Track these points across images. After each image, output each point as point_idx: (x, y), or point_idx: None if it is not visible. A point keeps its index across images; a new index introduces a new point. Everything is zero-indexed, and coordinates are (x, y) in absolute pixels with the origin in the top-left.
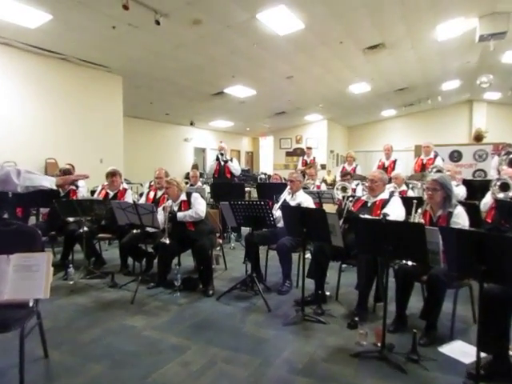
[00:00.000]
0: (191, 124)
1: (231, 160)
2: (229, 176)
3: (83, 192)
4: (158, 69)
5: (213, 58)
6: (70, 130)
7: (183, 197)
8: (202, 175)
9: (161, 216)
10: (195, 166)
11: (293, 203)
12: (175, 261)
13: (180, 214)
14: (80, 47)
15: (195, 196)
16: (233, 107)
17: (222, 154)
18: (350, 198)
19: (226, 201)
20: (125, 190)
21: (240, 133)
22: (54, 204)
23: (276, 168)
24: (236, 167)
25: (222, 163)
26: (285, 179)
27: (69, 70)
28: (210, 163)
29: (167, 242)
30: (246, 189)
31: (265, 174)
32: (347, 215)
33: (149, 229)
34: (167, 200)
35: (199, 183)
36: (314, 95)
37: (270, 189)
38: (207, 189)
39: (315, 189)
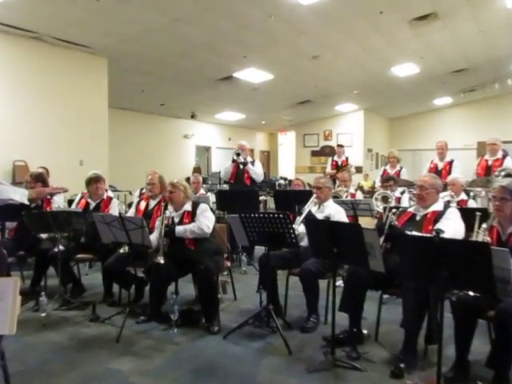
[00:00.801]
0: (192, 117)
1: (252, 163)
2: (248, 182)
3: (59, 202)
4: (151, 48)
5: (219, 33)
6: (43, 126)
7: (188, 206)
8: (205, 180)
9: (156, 232)
10: (197, 169)
11: (320, 216)
12: (172, 288)
13: (180, 228)
14: (55, 24)
15: (203, 207)
16: (244, 95)
17: (238, 155)
18: (394, 210)
19: (235, 212)
20: (110, 199)
21: (253, 127)
22: (22, 217)
23: (299, 171)
24: (258, 171)
25: (241, 166)
26: (310, 186)
27: (42, 52)
28: (226, 166)
29: (162, 261)
30: (261, 197)
31: (284, 180)
32: (389, 232)
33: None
34: (164, 210)
35: (202, 190)
36: (347, 79)
37: (291, 198)
38: (212, 198)
39: (348, 198)
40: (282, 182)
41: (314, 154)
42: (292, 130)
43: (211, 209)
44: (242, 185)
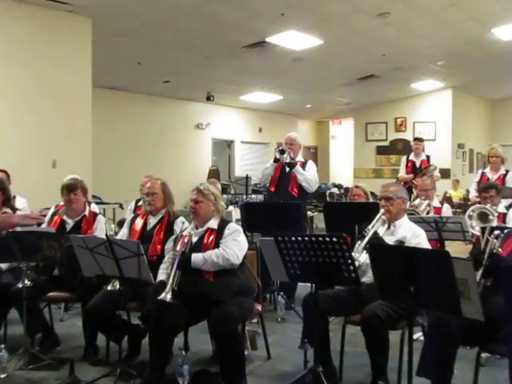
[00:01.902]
0: (208, 99)
1: (303, 164)
2: (295, 192)
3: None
4: (152, 4)
5: None
6: (2, 112)
7: (213, 224)
8: (225, 189)
9: (168, 263)
10: (214, 173)
11: (390, 240)
12: (180, 341)
13: (198, 257)
14: None
15: (234, 228)
16: (282, 69)
17: (282, 152)
18: (496, 232)
19: (268, 234)
20: (93, 215)
21: (294, 113)
22: None
23: (359, 176)
24: (310, 177)
25: (287, 169)
26: (375, 196)
27: (5, 11)
28: (265, 166)
29: (168, 299)
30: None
31: (339, 188)
32: (491, 263)
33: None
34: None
35: (221, 203)
36: (429, 45)
37: (349, 213)
38: (235, 213)
39: (431, 214)
40: (334, 190)
41: (381, 151)
42: (349, 117)
43: (244, 233)
44: (287, 195)
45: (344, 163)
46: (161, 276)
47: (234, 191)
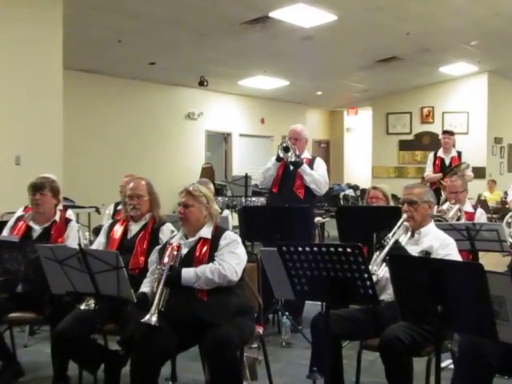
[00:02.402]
0: (201, 84)
1: (311, 162)
2: (301, 194)
3: None
4: None
5: None
6: None
7: (206, 232)
8: (220, 191)
9: (151, 278)
10: (207, 172)
11: (414, 250)
12: (166, 369)
13: (189, 273)
14: None
15: (231, 237)
16: (288, 49)
17: (286, 149)
18: None
19: (271, 243)
20: (65, 221)
21: (303, 102)
22: None
23: (378, 175)
24: (319, 178)
25: (291, 168)
26: (396, 199)
27: None
28: (266, 166)
29: (153, 321)
30: (316, 219)
31: (354, 189)
32: None
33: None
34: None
35: (215, 206)
36: (460, 22)
37: (365, 219)
38: (232, 219)
39: (462, 220)
40: (349, 192)
41: (405, 146)
42: (367, 106)
43: (243, 242)
44: (292, 197)
45: (361, 161)
46: (144, 288)
47: (231, 193)
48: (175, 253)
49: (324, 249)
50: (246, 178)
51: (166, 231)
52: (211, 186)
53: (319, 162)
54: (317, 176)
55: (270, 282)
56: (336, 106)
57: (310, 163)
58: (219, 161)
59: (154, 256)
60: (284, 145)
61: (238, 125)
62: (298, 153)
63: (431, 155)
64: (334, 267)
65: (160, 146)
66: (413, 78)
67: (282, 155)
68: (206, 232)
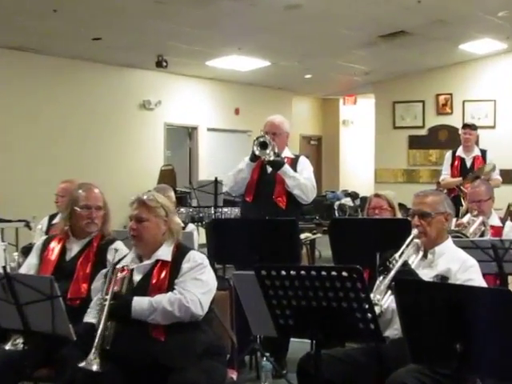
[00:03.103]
0: (159, 65)
1: (293, 162)
2: (283, 203)
3: None
4: None
5: None
6: None
7: (164, 253)
8: (182, 199)
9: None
10: (167, 175)
11: (428, 274)
12: None
13: (142, 303)
14: None
15: (196, 259)
16: (269, 21)
17: (263, 145)
18: None
19: (247, 265)
20: None
21: (287, 87)
22: None
23: (383, 180)
24: (305, 182)
25: (269, 170)
26: (405, 210)
27: None
28: (237, 168)
29: (94, 368)
30: (303, 235)
31: (352, 197)
32: None
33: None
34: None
35: (177, 220)
36: None
37: (366, 235)
38: (198, 236)
39: (487, 237)
40: (346, 201)
41: (416, 143)
42: (369, 93)
43: (211, 262)
44: (271, 208)
45: (361, 162)
46: (88, 318)
47: (196, 203)
48: (125, 278)
49: (314, 272)
50: (216, 183)
51: (116, 251)
52: (172, 194)
53: (304, 162)
54: (302, 180)
55: (245, 315)
56: (330, 92)
57: (293, 163)
58: (182, 162)
59: (98, 282)
60: (261, 140)
61: (205, 116)
62: (277, 150)
63: (449, 154)
64: (327, 296)
65: (107, 144)
66: (426, 57)
67: (258, 153)
68: (165, 253)
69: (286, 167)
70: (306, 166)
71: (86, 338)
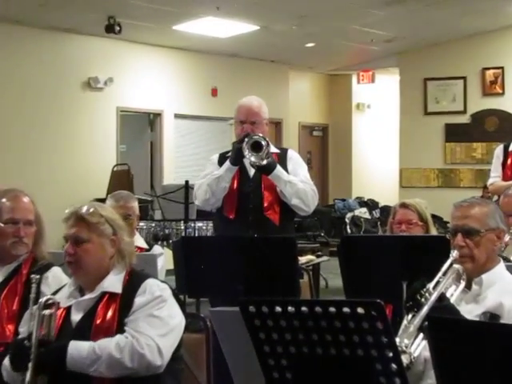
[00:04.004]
0: (110, 30)
1: (280, 159)
2: (275, 216)
3: None
4: None
5: None
6: None
7: (113, 283)
8: (144, 210)
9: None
10: (121, 177)
11: (472, 311)
12: None
13: (80, 349)
14: None
15: (154, 290)
16: None
17: (255, 147)
18: None
19: (228, 299)
20: None
21: (282, 60)
22: None
23: (410, 183)
24: (304, 186)
25: (250, 173)
26: (443, 225)
27: None
28: (215, 175)
29: None
30: (304, 258)
31: (370, 207)
32: None
33: None
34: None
35: (138, 236)
36: None
37: (389, 258)
38: (163, 259)
39: None
40: (361, 213)
41: (455, 133)
42: (392, 67)
43: (175, 294)
44: (261, 225)
45: (381, 159)
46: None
47: (161, 215)
48: (52, 317)
49: (319, 309)
50: (188, 188)
51: (53, 281)
52: (136, 205)
53: (295, 158)
54: (300, 184)
55: (227, 366)
56: (339, 67)
57: (280, 160)
58: (141, 160)
59: (23, 328)
60: (254, 139)
61: (172, 99)
62: (271, 149)
63: (499, 150)
64: (337, 340)
65: (39, 136)
66: (468, 19)
67: (253, 159)
68: (113, 283)
69: (279, 170)
70: (299, 163)
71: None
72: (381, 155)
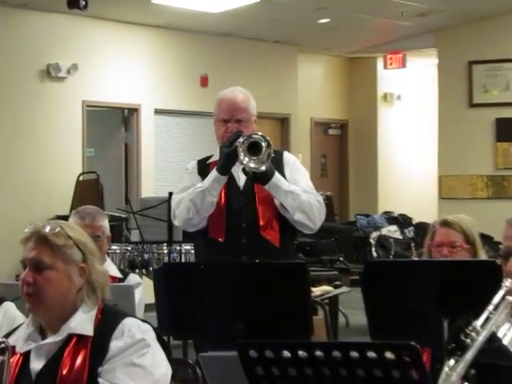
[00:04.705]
0: (73, 5)
1: (276, 162)
2: (274, 236)
3: None
4: None
5: None
6: None
7: (81, 324)
8: (117, 229)
9: None
10: (88, 188)
11: None
12: None
13: None
14: None
15: (132, 331)
16: None
17: (254, 150)
18: None
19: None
20: None
21: (289, 40)
22: None
23: (451, 195)
24: (308, 198)
25: (240, 184)
26: (494, 246)
27: None
28: (197, 188)
29: None
30: (317, 290)
31: (401, 223)
32: None
33: None
34: None
35: (109, 263)
36: None
37: (426, 288)
38: (140, 292)
39: None
40: (390, 231)
41: (508, 130)
42: (428, 48)
43: (159, 337)
44: (258, 248)
45: (414, 163)
46: None
47: (139, 236)
48: (12, 366)
49: (337, 353)
50: (163, 205)
51: (5, 320)
52: (106, 224)
53: (293, 162)
54: (304, 195)
55: None
56: (360, 47)
57: (276, 165)
58: (113, 167)
59: None
60: (255, 137)
61: (152, 91)
62: (269, 149)
63: None
64: None
65: None
66: None
67: (252, 165)
68: (82, 323)
69: (278, 177)
70: (298, 169)
71: None
72: (414, 159)
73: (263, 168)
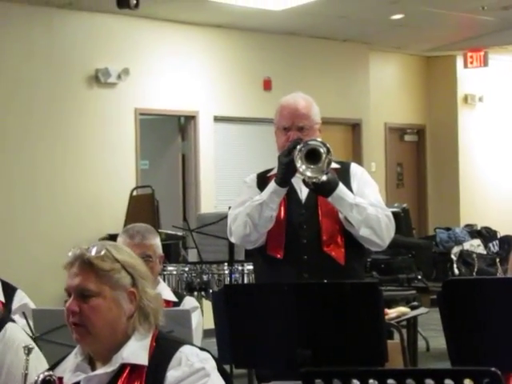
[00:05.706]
0: (124, 4)
1: (342, 174)
2: (339, 253)
3: None
4: None
5: None
6: None
7: (135, 352)
8: (174, 249)
9: None
10: (143, 204)
11: None
12: None
13: None
14: None
15: (191, 360)
16: None
17: (312, 157)
18: None
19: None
20: None
21: (357, 38)
22: None
23: None
24: (376, 212)
25: (302, 197)
26: None
27: None
28: (255, 201)
29: None
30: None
31: (485, 237)
32: None
33: None
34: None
35: (163, 285)
36: None
37: (510, 307)
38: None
39: None
40: (473, 246)
41: None
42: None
43: (219, 366)
44: (321, 265)
45: (499, 172)
46: None
47: (197, 256)
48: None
49: (411, 381)
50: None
51: (3, 344)
52: (158, 242)
53: (361, 174)
54: (371, 209)
55: None
56: (438, 45)
57: (342, 177)
58: (170, 180)
59: None
60: (311, 144)
61: (210, 97)
62: (328, 154)
63: None
64: None
65: (33, 149)
66: None
67: (309, 174)
68: (136, 352)
69: (342, 189)
70: (366, 181)
71: None
72: (499, 167)
73: (324, 178)
